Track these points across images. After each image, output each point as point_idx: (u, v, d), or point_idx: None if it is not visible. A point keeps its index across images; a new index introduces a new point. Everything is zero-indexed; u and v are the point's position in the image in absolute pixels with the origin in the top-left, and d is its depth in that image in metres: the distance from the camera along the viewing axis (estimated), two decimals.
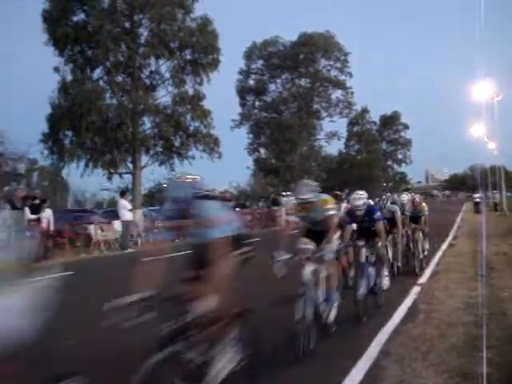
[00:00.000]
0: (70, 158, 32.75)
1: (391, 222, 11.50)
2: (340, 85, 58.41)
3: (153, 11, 32.75)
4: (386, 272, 9.71)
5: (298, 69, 56.75)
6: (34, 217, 17.29)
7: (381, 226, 8.69)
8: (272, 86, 58.26)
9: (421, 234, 12.96)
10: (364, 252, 8.20)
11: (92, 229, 22.84)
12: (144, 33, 34.05)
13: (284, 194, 37.79)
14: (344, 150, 68.39)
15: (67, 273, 11.90)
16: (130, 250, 21.39)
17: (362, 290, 7.79)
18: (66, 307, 6.27)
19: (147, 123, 34.46)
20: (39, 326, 2.86)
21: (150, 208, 32.99)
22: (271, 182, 54.26)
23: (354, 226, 8.93)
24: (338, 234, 7.81)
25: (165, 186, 5.34)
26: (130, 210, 22.55)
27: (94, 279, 12.97)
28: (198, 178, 4.43)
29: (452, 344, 6.20)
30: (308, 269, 6.37)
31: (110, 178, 33.76)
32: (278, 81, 58.21)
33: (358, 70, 67.12)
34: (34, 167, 49.58)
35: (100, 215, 28.05)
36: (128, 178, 33.95)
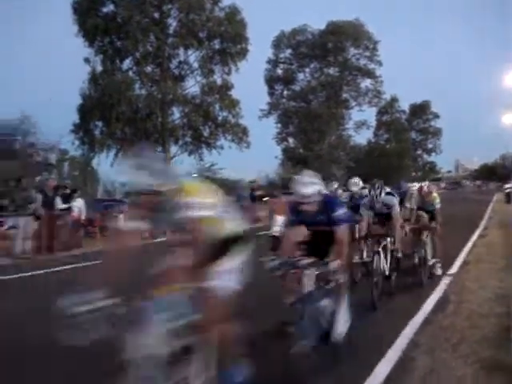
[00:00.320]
0: (101, 148, 33.18)
1: (388, 219, 8.95)
2: (369, 73, 57.76)
3: (181, 1, 32.82)
4: (345, 312, 5.51)
5: (326, 57, 56.29)
6: (65, 206, 17.49)
7: (341, 232, 5.28)
8: (300, 75, 57.96)
9: (428, 236, 10.08)
10: (308, 278, 5.15)
11: (122, 218, 23.04)
12: (173, 23, 34.22)
13: None
14: (373, 140, 67.81)
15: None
16: (160, 239, 21.56)
17: (308, 342, 4.79)
18: None
19: (176, 113, 34.71)
20: None
21: None
22: (299, 171, 54.11)
23: (303, 230, 5.69)
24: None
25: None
26: None
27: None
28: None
29: (483, 335, 6.13)
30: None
31: None
32: (307, 70, 57.84)
33: (387, 58, 66.13)
34: (64, 157, 50.04)
35: None
36: None
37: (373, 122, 64.26)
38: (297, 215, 5.49)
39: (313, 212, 5.34)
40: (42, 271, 12.16)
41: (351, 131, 59.45)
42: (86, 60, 33.30)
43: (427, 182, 11.46)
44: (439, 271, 10.21)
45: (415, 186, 12.03)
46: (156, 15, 33.64)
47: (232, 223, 4.06)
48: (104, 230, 20.70)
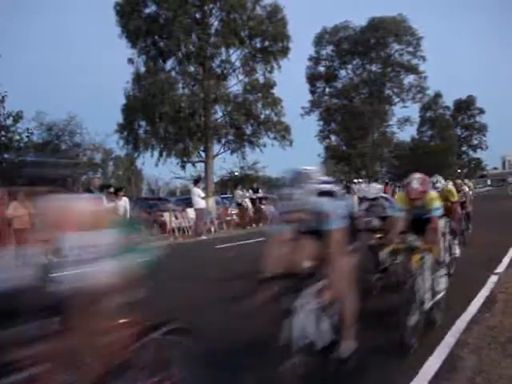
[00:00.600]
0: (145, 147, 33.60)
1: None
2: (412, 69, 57.00)
3: (223, 1, 33.02)
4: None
5: (368, 54, 55.85)
6: (110, 205, 17.73)
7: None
8: (342, 72, 57.63)
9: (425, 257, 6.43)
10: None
11: (167, 216, 23.36)
12: (214, 22, 34.38)
13: (355, 181, 37.46)
14: (417, 136, 67.11)
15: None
16: (204, 237, 21.78)
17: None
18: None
19: (219, 112, 34.88)
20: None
21: (222, 196, 33.46)
22: (342, 169, 53.90)
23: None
24: None
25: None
26: (203, 198, 22.90)
27: (177, 263, 12.66)
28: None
29: None
30: None
31: (183, 167, 34.45)
32: (349, 66, 57.48)
33: (431, 54, 65.39)
34: (109, 157, 50.92)
35: (174, 203, 28.62)
36: (200, 166, 34.50)
37: (416, 118, 63.60)
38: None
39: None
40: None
41: (394, 128, 58.88)
42: (130, 61, 33.85)
43: (418, 175, 6.95)
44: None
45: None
46: (198, 15, 33.88)
47: None
48: (149, 228, 21.01)
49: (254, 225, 27.00)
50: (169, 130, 33.01)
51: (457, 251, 10.76)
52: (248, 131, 35.11)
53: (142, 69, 33.85)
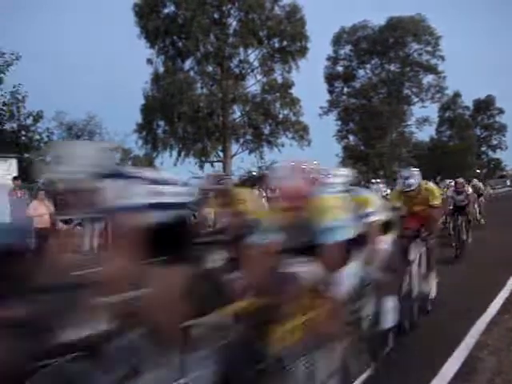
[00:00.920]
0: (163, 147, 33.79)
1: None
2: (431, 69, 56.56)
3: (241, 1, 33.07)
4: None
5: (387, 53, 55.54)
6: None
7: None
8: (361, 72, 57.24)
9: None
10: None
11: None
12: (233, 23, 34.46)
13: (373, 181, 37.34)
14: (435, 136, 66.62)
15: None
16: None
17: None
18: None
19: (237, 112, 35.00)
20: None
21: None
22: (360, 169, 53.74)
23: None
24: None
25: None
26: None
27: None
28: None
29: None
30: None
31: (201, 167, 34.60)
32: (367, 66, 57.11)
33: (450, 52, 64.71)
34: (128, 156, 51.13)
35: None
36: (219, 166, 34.60)
37: (435, 118, 63.11)
38: None
39: None
40: None
41: (413, 128, 58.48)
42: (149, 61, 34.05)
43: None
44: None
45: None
46: (216, 15, 33.99)
47: None
48: None
49: None
50: (187, 129, 33.18)
51: (431, 289, 7.54)
52: (266, 131, 35.19)
53: (161, 69, 34.09)
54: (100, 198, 3.26)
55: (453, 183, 14.25)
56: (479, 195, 19.09)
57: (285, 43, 34.83)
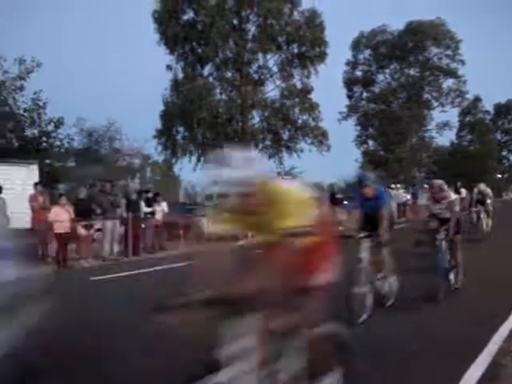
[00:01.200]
0: (183, 152, 33.94)
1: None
2: (451, 73, 56.22)
3: (260, 6, 33.14)
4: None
5: (406, 58, 55.34)
6: (148, 210, 17.99)
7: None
8: (380, 77, 57.13)
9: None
10: None
11: (204, 221, 23.44)
12: (251, 28, 34.54)
13: (393, 186, 37.16)
14: (456, 141, 66.30)
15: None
16: (241, 242, 21.79)
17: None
18: None
19: (256, 117, 35.04)
20: None
21: None
22: (380, 174, 53.48)
23: None
24: None
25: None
26: None
27: None
28: None
29: None
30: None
31: None
32: (387, 71, 56.97)
33: (470, 56, 64.52)
34: (147, 162, 51.44)
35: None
36: None
37: (455, 122, 62.79)
38: None
39: None
40: (127, 273, 12.55)
41: (433, 132, 58.15)
42: (168, 67, 34.25)
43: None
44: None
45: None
46: (235, 21, 34.11)
47: None
48: (187, 233, 21.17)
49: None
50: (206, 135, 33.31)
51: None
52: (285, 136, 35.21)
53: (180, 75, 34.24)
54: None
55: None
56: (483, 203, 18.54)
57: (304, 49, 34.78)
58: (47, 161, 24.32)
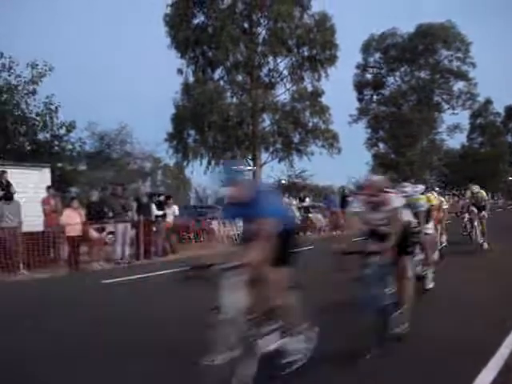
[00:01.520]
0: (194, 156, 34.02)
1: None
2: (462, 76, 56.03)
3: (270, 10, 33.18)
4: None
5: (417, 61, 55.23)
6: (160, 213, 18.00)
7: None
8: (390, 79, 57.16)
9: None
10: None
11: (215, 224, 23.49)
12: (262, 32, 34.59)
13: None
14: (467, 144, 66.01)
15: None
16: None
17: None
18: None
19: (267, 120, 35.08)
20: None
21: None
22: (390, 177, 53.31)
23: None
24: None
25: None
26: None
27: None
28: None
29: None
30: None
31: None
32: (397, 74, 56.93)
33: (480, 58, 64.12)
34: (158, 165, 51.52)
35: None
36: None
37: (466, 125, 62.51)
38: None
39: None
40: (138, 276, 12.61)
41: (444, 135, 57.93)
42: (179, 71, 34.37)
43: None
44: None
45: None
46: (246, 24, 34.19)
47: None
48: (199, 236, 21.26)
49: (300, 233, 26.83)
50: (217, 138, 33.42)
51: None
52: (296, 139, 35.23)
53: (191, 79, 34.34)
54: None
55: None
56: (479, 208, 15.49)
57: (314, 52, 34.82)
58: (59, 164, 24.33)
